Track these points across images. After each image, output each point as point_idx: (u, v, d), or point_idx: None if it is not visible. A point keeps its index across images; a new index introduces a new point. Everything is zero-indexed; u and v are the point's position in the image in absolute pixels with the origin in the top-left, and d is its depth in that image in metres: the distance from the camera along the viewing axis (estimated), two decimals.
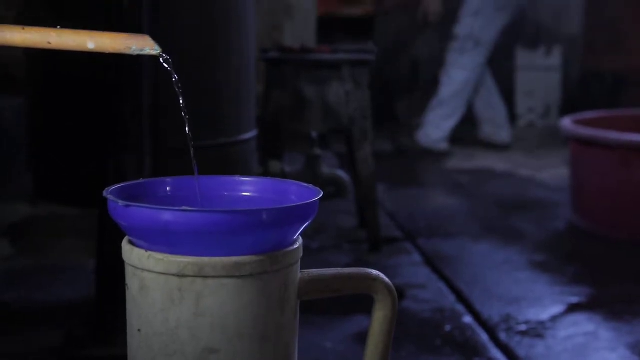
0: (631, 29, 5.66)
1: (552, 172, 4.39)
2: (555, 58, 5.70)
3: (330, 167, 3.47)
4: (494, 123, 5.07)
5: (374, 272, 1.02)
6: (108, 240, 1.93)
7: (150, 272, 0.91)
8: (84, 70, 1.97)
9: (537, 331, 2.27)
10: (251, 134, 2.28)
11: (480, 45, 4.86)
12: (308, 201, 0.94)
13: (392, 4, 5.36)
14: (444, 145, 4.92)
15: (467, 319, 2.35)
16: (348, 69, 2.81)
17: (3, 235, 2.92)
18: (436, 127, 4.91)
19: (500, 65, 5.61)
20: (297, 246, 0.96)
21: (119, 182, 0.99)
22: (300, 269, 0.98)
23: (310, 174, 3.11)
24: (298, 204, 0.93)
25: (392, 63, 5.69)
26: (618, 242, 3.12)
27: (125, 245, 0.94)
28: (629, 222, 3.14)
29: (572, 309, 2.45)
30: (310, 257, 2.80)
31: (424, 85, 5.87)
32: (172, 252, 0.90)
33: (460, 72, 4.86)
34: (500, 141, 5.07)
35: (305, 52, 2.88)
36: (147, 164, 1.90)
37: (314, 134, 3.05)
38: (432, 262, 2.83)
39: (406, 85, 5.85)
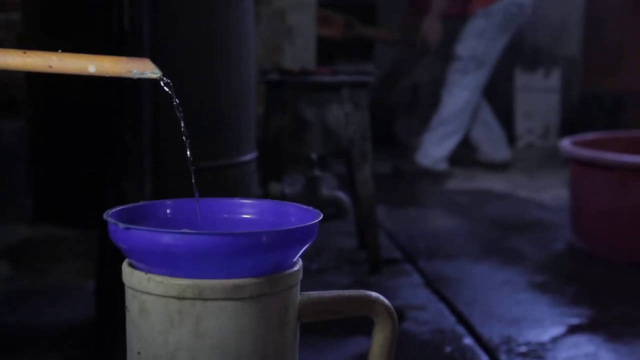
0: (630, 51, 5.68)
1: (552, 193, 4.39)
2: (554, 79, 5.72)
3: (330, 189, 3.47)
4: (492, 142, 5.08)
5: (374, 294, 1.02)
6: (108, 262, 1.93)
7: (150, 295, 0.91)
8: (84, 93, 1.98)
9: (537, 352, 2.27)
10: (251, 155, 2.28)
11: (482, 67, 4.88)
12: (308, 223, 0.94)
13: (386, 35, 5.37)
14: (443, 165, 4.92)
15: (468, 340, 2.35)
16: (348, 91, 2.82)
17: (2, 257, 2.92)
18: (436, 146, 4.91)
19: (499, 87, 5.63)
20: (296, 268, 0.96)
21: (119, 204, 1.00)
22: (300, 290, 0.98)
23: (310, 196, 3.11)
24: (298, 226, 0.93)
25: (392, 85, 5.71)
26: (617, 263, 3.12)
27: (125, 267, 0.95)
28: (628, 243, 3.14)
29: (572, 330, 2.44)
30: (310, 278, 2.80)
31: (424, 107, 5.89)
32: (172, 275, 0.90)
33: (463, 93, 4.88)
34: (499, 159, 5.07)
35: (305, 74, 2.90)
36: (148, 185, 1.90)
37: (314, 156, 3.05)
38: (432, 284, 2.83)
39: (406, 107, 5.86)
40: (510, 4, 4.83)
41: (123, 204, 1.01)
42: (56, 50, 0.93)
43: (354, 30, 5.18)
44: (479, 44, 4.84)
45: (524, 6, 4.88)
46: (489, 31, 4.83)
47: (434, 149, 4.91)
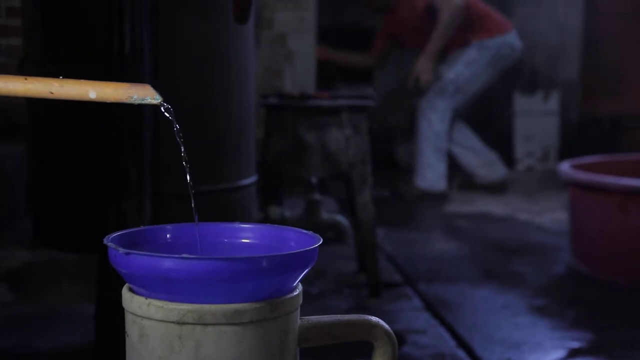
0: (627, 74, 5.70)
1: (551, 216, 4.39)
2: (553, 103, 5.74)
3: (330, 212, 3.47)
4: (486, 165, 5.08)
5: (374, 318, 1.02)
6: (108, 286, 1.93)
7: (150, 320, 0.91)
8: (85, 118, 1.99)
9: None
10: (251, 179, 2.29)
11: (459, 93, 4.91)
12: (307, 248, 0.94)
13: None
14: (441, 185, 4.91)
15: None
16: (347, 114, 2.83)
17: (2, 281, 2.92)
18: (429, 167, 4.92)
19: (499, 110, 5.65)
20: (296, 293, 0.96)
21: (119, 228, 1.00)
22: (300, 315, 0.98)
23: (309, 219, 3.11)
24: (297, 251, 0.94)
25: (391, 108, 5.72)
26: (617, 286, 3.11)
27: (125, 292, 0.95)
28: (628, 266, 3.14)
29: (573, 354, 2.44)
30: (310, 302, 2.80)
31: None
32: (172, 300, 0.90)
33: (434, 115, 4.90)
34: (497, 179, 5.08)
35: (304, 98, 2.91)
36: (148, 209, 1.91)
37: (314, 179, 3.06)
38: (432, 307, 2.82)
39: (405, 131, 5.88)
40: (504, 45, 4.89)
41: (123, 227, 1.01)
42: (57, 76, 0.93)
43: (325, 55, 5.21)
44: (465, 71, 4.87)
45: (516, 50, 4.94)
46: (479, 63, 4.87)
47: (427, 170, 4.92)
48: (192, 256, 0.89)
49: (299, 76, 5.05)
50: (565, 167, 3.43)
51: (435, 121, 4.88)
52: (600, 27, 5.83)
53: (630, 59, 5.74)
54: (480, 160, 5.08)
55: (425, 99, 4.90)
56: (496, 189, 5.06)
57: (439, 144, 4.90)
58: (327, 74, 5.24)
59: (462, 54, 4.88)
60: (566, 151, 5.64)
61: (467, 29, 4.84)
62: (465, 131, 5.08)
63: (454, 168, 5.08)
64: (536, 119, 5.70)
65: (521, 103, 5.65)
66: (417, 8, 4.85)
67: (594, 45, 5.86)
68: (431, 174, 4.91)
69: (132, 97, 0.93)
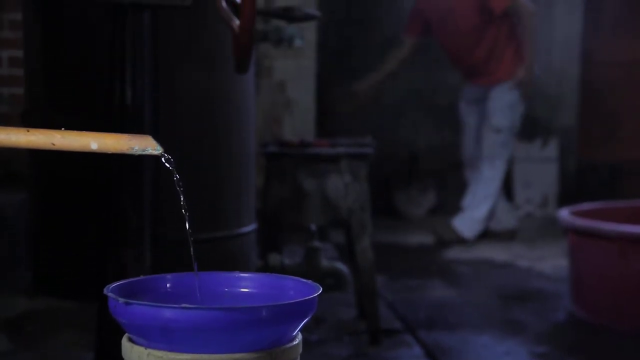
0: (625, 121, 5.73)
1: (552, 262, 4.38)
2: (552, 149, 5.77)
3: (329, 259, 3.47)
4: (502, 211, 5.07)
5: None
6: (107, 335, 1.93)
7: None
8: (85, 166, 2.00)
9: None
10: (251, 227, 2.29)
11: (513, 137, 4.96)
12: (307, 298, 0.94)
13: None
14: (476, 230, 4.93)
15: None
16: (346, 162, 2.84)
17: (1, 329, 2.91)
18: (482, 219, 4.91)
19: None
20: (296, 342, 0.96)
21: (118, 276, 1.01)
22: None
23: (309, 267, 3.11)
24: (297, 300, 0.94)
25: (391, 155, 5.74)
26: (618, 333, 3.10)
27: (124, 342, 0.95)
28: (629, 313, 3.13)
29: None
30: (310, 350, 2.78)
31: (422, 177, 5.92)
32: (171, 350, 0.90)
33: (504, 165, 4.91)
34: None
35: (304, 146, 2.92)
36: (147, 258, 1.91)
37: (313, 226, 3.06)
38: (433, 355, 2.81)
39: (405, 178, 5.90)
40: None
41: (123, 275, 1.02)
42: (59, 126, 0.94)
43: None
44: (512, 115, 4.88)
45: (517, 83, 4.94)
46: (516, 103, 4.88)
47: (480, 222, 4.91)
48: (192, 306, 0.89)
49: (299, 124, 5.08)
50: (564, 213, 3.43)
51: (502, 171, 4.91)
52: (598, 75, 5.87)
53: (628, 106, 5.77)
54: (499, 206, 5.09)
55: (493, 152, 4.88)
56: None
57: (497, 193, 4.94)
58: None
59: (500, 98, 4.85)
60: (565, 198, 5.65)
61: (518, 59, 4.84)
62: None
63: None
64: (535, 165, 5.71)
65: (520, 150, 5.67)
66: (467, 23, 4.81)
67: (592, 93, 5.90)
68: (478, 226, 4.91)
69: (133, 148, 0.94)
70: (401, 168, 5.92)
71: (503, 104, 4.87)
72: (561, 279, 3.83)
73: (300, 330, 0.98)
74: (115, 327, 0.99)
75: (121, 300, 0.91)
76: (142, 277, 1.05)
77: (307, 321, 0.96)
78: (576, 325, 3.28)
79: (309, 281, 1.02)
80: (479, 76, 4.93)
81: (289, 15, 2.47)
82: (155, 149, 0.95)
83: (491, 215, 4.96)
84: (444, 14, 4.83)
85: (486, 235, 5.05)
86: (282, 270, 2.82)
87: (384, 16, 5.89)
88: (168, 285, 1.06)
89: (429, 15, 4.91)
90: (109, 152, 0.94)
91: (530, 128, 5.77)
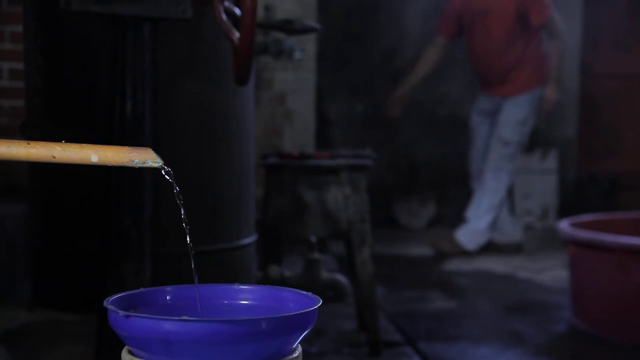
0: (624, 133, 5.74)
1: (552, 274, 4.38)
2: (551, 161, 5.77)
3: (329, 271, 3.47)
4: (495, 228, 5.07)
5: None
6: (107, 348, 1.92)
7: None
8: (85, 179, 2.00)
9: None
10: (251, 239, 2.29)
11: (520, 151, 4.98)
12: (307, 310, 0.95)
13: None
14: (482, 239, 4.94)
15: None
16: (346, 173, 2.85)
17: (0, 342, 2.90)
18: (485, 231, 4.93)
19: None
20: (296, 354, 0.96)
21: (118, 289, 1.01)
22: None
23: (309, 279, 3.11)
24: (297, 312, 0.94)
25: (391, 167, 5.75)
26: (618, 345, 3.09)
27: (124, 355, 0.95)
28: (629, 325, 3.13)
29: None
30: None
31: (422, 189, 5.92)
32: None
33: (509, 177, 4.93)
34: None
35: (304, 158, 2.93)
36: (147, 271, 1.91)
37: (313, 238, 3.06)
38: None
39: (405, 189, 5.90)
40: (535, 95, 4.89)
41: (122, 288, 1.02)
42: (59, 138, 0.95)
43: None
44: (523, 130, 4.90)
45: (543, 99, 4.94)
46: (528, 118, 4.90)
47: (482, 234, 4.93)
48: (192, 318, 0.89)
49: (299, 135, 5.09)
50: (564, 225, 3.43)
51: (506, 184, 4.92)
52: (597, 87, 5.88)
53: (627, 119, 5.78)
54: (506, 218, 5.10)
55: (498, 164, 4.89)
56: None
57: (501, 206, 4.96)
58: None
59: (512, 113, 4.87)
60: (565, 209, 5.65)
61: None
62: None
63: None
64: (535, 177, 5.72)
65: (520, 161, 5.68)
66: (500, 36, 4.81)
67: (592, 105, 5.91)
68: (480, 238, 4.93)
69: (133, 161, 0.94)
70: (401, 180, 5.92)
71: (515, 119, 4.88)
72: (561, 291, 3.83)
73: (300, 342, 0.98)
74: (115, 340, 0.99)
75: (121, 312, 0.91)
76: (142, 289, 1.05)
77: (307, 333, 0.96)
78: (576, 337, 3.27)
79: (309, 293, 1.02)
80: (495, 86, 4.93)
81: (289, 27, 2.47)
82: (155, 162, 0.95)
83: (493, 226, 4.96)
84: (478, 15, 4.83)
85: (489, 247, 5.05)
86: (282, 282, 2.82)
87: (383, 29, 5.90)
88: (168, 297, 1.06)
89: (464, 15, 4.90)
90: (109, 165, 0.94)
91: (530, 140, 5.79)
